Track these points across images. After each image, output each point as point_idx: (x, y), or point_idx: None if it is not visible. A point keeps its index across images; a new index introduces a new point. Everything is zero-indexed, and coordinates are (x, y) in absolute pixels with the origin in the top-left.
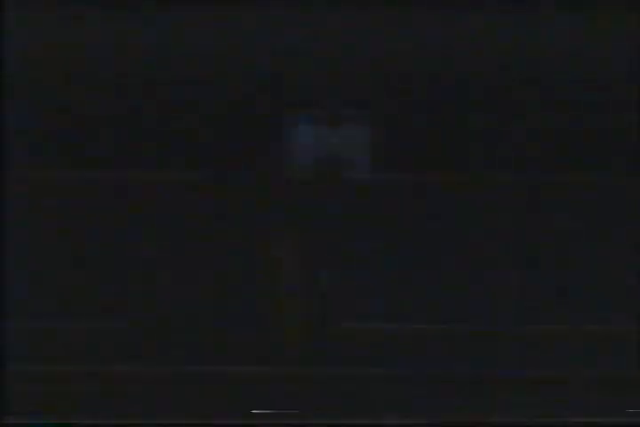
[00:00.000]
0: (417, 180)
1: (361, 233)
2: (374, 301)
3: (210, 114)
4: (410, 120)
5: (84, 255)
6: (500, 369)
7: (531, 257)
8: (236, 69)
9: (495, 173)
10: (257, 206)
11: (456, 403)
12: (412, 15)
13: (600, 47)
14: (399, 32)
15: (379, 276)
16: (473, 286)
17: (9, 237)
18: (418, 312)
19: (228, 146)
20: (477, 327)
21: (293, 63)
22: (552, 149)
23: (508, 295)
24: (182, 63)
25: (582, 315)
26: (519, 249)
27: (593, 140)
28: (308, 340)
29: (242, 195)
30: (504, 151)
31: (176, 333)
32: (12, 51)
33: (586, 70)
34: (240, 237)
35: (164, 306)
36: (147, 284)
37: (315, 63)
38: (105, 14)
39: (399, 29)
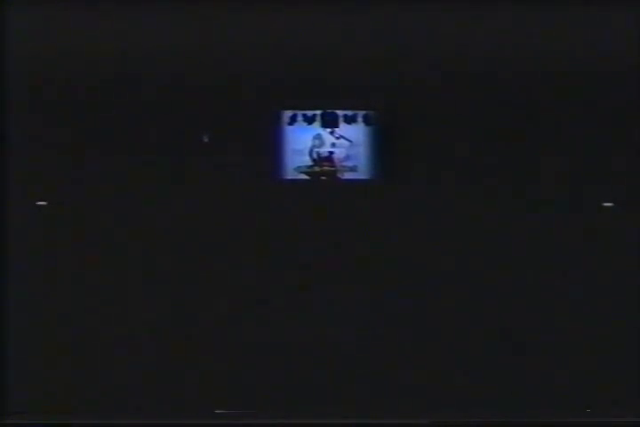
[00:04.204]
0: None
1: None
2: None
3: (205, 114)
4: (409, 120)
5: None
6: None
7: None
8: (232, 69)
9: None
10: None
11: None
12: (411, 12)
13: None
14: (399, 31)
15: None
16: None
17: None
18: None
19: (223, 146)
20: None
21: (291, 62)
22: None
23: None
24: (178, 62)
25: None
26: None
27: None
28: None
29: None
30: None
31: None
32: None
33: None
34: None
35: None
36: None
37: (313, 62)
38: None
39: (399, 28)
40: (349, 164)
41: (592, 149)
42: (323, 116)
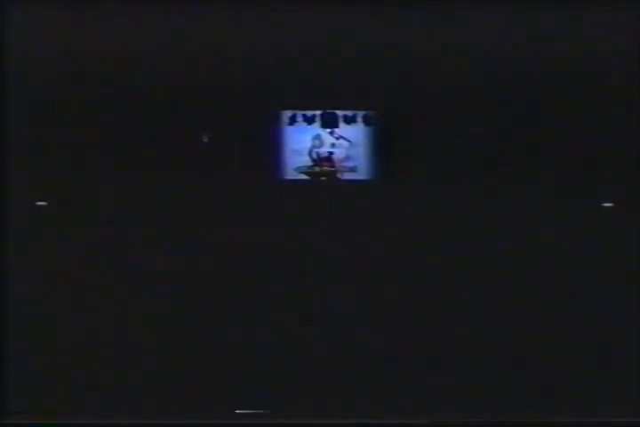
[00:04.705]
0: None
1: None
2: None
3: (205, 114)
4: (409, 120)
5: None
6: None
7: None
8: (232, 69)
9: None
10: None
11: None
12: (411, 12)
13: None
14: (399, 31)
15: None
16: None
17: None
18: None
19: (223, 146)
20: None
21: (291, 62)
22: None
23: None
24: (178, 62)
25: None
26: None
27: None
28: None
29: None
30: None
31: None
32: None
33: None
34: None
35: None
36: None
37: (313, 62)
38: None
39: (399, 28)
40: (349, 164)
41: (592, 149)
42: (322, 116)
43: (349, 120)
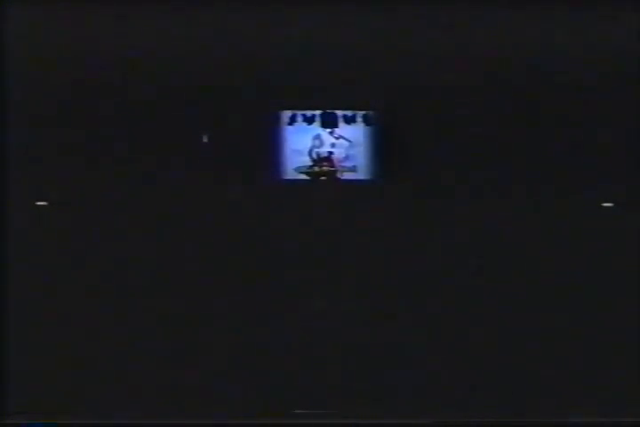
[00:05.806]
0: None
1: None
2: None
3: (205, 114)
4: (409, 120)
5: None
6: None
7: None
8: (232, 69)
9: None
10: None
11: None
12: (412, 12)
13: None
14: (399, 31)
15: None
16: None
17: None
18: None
19: (223, 146)
20: None
21: (291, 62)
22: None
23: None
24: (178, 62)
25: None
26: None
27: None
28: None
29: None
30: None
31: None
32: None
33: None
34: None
35: None
36: None
37: (313, 62)
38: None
39: (399, 28)
40: (349, 164)
41: (592, 148)
42: (322, 116)
43: (349, 120)
